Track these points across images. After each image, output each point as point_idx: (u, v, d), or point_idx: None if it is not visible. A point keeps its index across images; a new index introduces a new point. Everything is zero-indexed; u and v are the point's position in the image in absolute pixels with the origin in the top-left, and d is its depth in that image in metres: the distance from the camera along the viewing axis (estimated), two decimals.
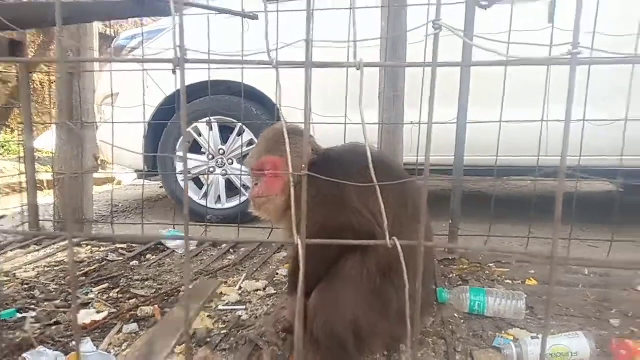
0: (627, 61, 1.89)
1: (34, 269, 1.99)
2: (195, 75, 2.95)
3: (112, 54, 3.35)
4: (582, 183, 2.35)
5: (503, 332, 1.46)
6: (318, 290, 1.22)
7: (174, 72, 0.59)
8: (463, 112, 2.10)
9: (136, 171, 3.96)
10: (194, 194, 3.50)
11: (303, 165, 1.09)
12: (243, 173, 3.27)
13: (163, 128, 3.34)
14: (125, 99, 3.19)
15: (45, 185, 4.26)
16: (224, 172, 3.43)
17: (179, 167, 3.48)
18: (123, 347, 1.37)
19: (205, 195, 3.41)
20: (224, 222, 3.18)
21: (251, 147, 3.31)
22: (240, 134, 3.33)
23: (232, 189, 3.41)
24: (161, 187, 4.23)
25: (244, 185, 3.32)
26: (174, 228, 2.49)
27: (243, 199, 3.33)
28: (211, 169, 3.45)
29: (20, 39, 2.53)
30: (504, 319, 1.54)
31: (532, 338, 1.32)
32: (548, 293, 0.59)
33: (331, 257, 1.21)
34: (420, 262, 0.65)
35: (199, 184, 3.54)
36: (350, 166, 1.22)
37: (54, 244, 2.39)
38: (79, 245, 2.38)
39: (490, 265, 2.07)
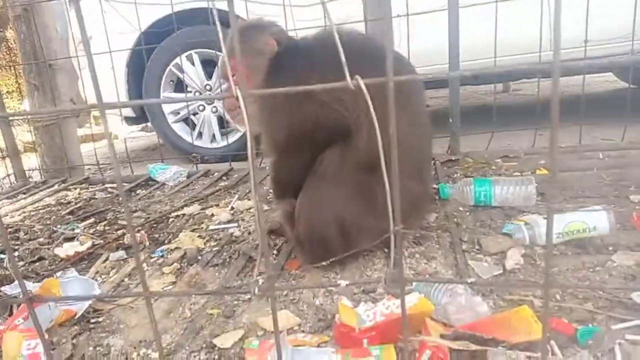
0: None
1: (20, 214, 1.91)
2: (166, 7, 2.70)
3: None
4: (592, 82, 2.16)
5: (513, 219, 1.35)
6: (302, 192, 1.13)
7: None
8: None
9: (125, 118, 3.81)
10: (187, 136, 3.34)
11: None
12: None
13: (143, 70, 3.13)
14: (100, 43, 2.98)
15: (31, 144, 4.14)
16: (214, 108, 3.27)
17: (166, 108, 3.31)
18: (110, 275, 1.29)
19: (200, 135, 3.27)
20: (223, 161, 3.06)
21: None
22: None
23: (224, 126, 3.27)
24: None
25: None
26: (162, 162, 2.37)
27: (238, 135, 3.18)
28: (200, 107, 3.28)
29: None
30: (513, 207, 1.43)
31: (544, 218, 1.21)
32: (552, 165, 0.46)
33: (306, 156, 1.13)
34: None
35: (190, 124, 3.39)
36: (319, 56, 1.08)
37: (41, 190, 2.30)
38: (67, 189, 2.28)
39: (497, 160, 1.94)
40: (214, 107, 3.27)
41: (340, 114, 1.06)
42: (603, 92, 3.95)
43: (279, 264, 1.21)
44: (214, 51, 3.07)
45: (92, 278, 1.26)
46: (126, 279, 1.25)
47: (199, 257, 1.31)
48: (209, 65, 3.17)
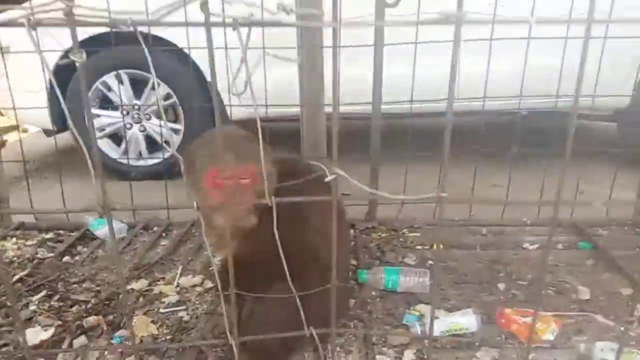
0: None
1: None
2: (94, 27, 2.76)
3: None
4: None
5: (411, 307, 1.73)
6: (249, 307, 1.38)
7: None
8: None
9: (45, 131, 3.76)
10: (112, 152, 3.46)
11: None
12: (162, 127, 3.23)
13: (67, 85, 3.16)
14: (18, 56, 2.92)
15: None
16: (141, 127, 3.39)
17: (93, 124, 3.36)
18: None
19: (126, 152, 3.37)
20: (149, 178, 3.23)
21: (169, 101, 3.26)
22: (154, 87, 3.25)
23: (151, 145, 3.40)
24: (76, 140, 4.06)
25: (166, 141, 3.31)
26: (100, 215, 2.48)
27: (166, 154, 3.34)
28: (127, 125, 3.38)
29: None
30: (412, 293, 1.81)
31: (435, 318, 1.59)
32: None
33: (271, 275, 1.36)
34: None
35: (116, 140, 3.48)
36: (310, 181, 1.27)
37: None
38: (3, 238, 2.34)
39: (404, 231, 2.33)
40: (142, 126, 3.40)
41: (323, 240, 1.31)
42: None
43: (227, 358, 1.48)
44: (140, 72, 3.19)
45: None
46: None
47: (156, 348, 1.54)
48: (136, 85, 3.28)
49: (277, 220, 1.19)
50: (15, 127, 5.14)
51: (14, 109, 2.46)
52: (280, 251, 1.04)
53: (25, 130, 5.18)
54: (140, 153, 3.47)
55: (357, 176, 0.63)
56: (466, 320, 1.57)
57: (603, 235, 2.30)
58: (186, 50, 2.95)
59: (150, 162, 3.45)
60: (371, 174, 2.39)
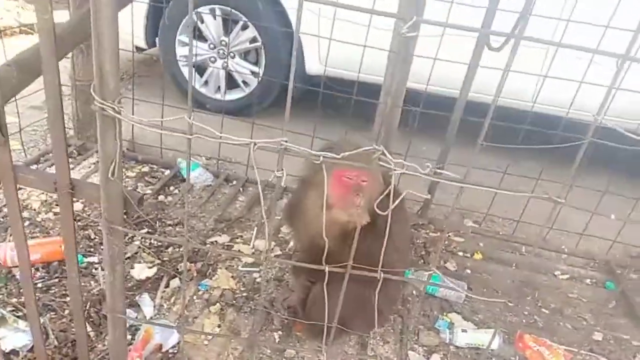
0: None
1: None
2: None
3: None
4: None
5: (445, 313, 2.03)
6: (318, 289, 1.68)
7: None
8: None
9: (136, 47, 4.07)
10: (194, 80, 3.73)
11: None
12: (244, 68, 3.52)
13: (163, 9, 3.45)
14: None
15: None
16: (225, 64, 3.62)
17: (180, 51, 3.65)
18: (172, 301, 1.88)
19: (206, 83, 3.67)
20: (225, 113, 3.54)
21: (254, 44, 3.48)
22: (244, 28, 3.45)
23: (232, 82, 3.66)
24: (156, 61, 4.38)
25: (243, 81, 3.57)
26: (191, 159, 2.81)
27: (240, 94, 3.62)
28: (212, 59, 3.63)
29: None
30: (448, 300, 2.10)
31: (462, 331, 1.89)
32: None
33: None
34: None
35: (199, 71, 3.74)
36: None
37: (84, 159, 2.72)
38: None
39: (450, 234, 2.58)
40: (225, 62, 3.65)
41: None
42: None
43: (289, 325, 1.84)
44: (234, 11, 3.38)
45: (159, 305, 1.84)
46: (186, 311, 1.84)
47: (234, 302, 1.91)
48: (227, 23, 3.50)
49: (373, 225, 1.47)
50: None
51: None
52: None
53: None
54: (219, 88, 3.75)
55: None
56: (487, 337, 1.86)
57: (633, 279, 2.49)
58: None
59: (228, 97, 3.72)
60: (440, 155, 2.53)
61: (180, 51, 3.69)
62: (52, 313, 1.73)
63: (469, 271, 2.33)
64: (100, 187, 1.05)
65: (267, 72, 3.53)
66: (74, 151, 2.77)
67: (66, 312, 1.73)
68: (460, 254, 2.46)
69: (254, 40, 3.53)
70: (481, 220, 2.70)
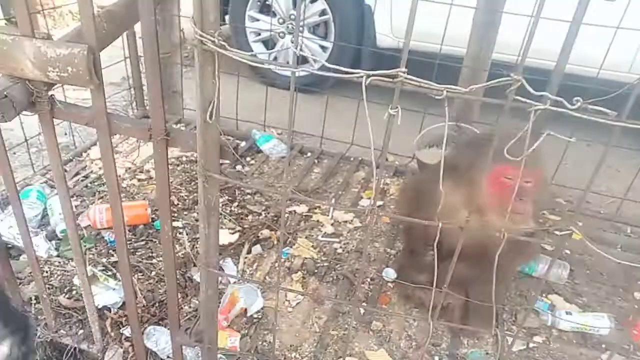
0: None
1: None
2: None
3: None
4: None
5: (544, 294, 1.85)
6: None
7: None
8: None
9: None
10: (263, 56, 3.68)
11: None
12: (315, 40, 3.41)
13: None
14: None
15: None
16: (293, 38, 3.53)
17: (250, 26, 3.61)
18: (254, 267, 1.84)
19: (275, 59, 3.61)
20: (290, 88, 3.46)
21: (323, 17, 3.37)
22: (313, 1, 3.35)
23: (301, 57, 3.57)
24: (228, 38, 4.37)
25: (313, 55, 3.48)
26: (265, 130, 2.77)
27: (311, 69, 3.52)
28: (281, 34, 3.56)
29: None
30: (547, 281, 1.91)
31: (566, 313, 1.71)
32: None
33: None
34: None
35: (268, 46, 3.68)
36: None
37: None
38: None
39: (545, 212, 2.37)
40: (293, 37, 3.56)
41: None
42: None
43: (374, 297, 1.74)
44: None
45: (242, 270, 1.81)
46: (267, 278, 1.80)
47: (316, 270, 1.84)
48: None
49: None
50: None
51: None
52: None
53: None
54: (288, 63, 3.67)
55: None
56: (599, 324, 1.67)
57: None
58: None
59: (297, 73, 3.64)
60: None
61: (251, 26, 3.65)
62: (139, 274, 1.74)
63: (567, 251, 2.11)
64: (197, 134, 0.98)
65: (336, 46, 3.42)
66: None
67: (153, 273, 1.74)
68: (557, 232, 2.24)
69: (323, 13, 3.42)
70: (576, 199, 2.45)
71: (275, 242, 1.97)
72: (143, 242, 1.88)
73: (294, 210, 2.18)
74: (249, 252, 1.91)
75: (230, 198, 2.21)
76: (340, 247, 1.99)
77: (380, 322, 1.66)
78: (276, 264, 1.86)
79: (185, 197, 2.18)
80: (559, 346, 1.64)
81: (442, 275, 1.72)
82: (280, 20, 3.55)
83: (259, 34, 3.67)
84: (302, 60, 3.55)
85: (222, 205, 2.15)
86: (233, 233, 1.97)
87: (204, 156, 1.00)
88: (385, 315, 1.69)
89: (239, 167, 2.48)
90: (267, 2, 3.53)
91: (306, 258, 1.90)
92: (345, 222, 2.14)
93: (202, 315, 1.24)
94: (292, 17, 3.52)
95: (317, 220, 2.13)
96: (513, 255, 1.51)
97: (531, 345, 1.64)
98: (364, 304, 1.72)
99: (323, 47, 3.53)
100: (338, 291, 1.77)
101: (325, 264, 1.89)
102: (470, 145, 1.51)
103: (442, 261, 1.73)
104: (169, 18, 2.68)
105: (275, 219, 2.10)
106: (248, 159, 2.59)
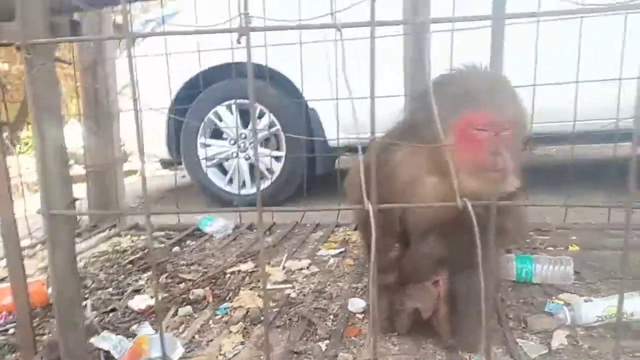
0: None
1: (79, 260, 2.05)
2: (212, 59, 2.94)
3: (127, 43, 3.35)
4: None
5: (553, 297, 1.46)
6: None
7: (238, 41, 0.59)
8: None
9: (160, 160, 4.02)
10: (218, 181, 3.52)
11: None
12: (267, 156, 3.29)
13: (183, 116, 3.36)
14: (144, 88, 3.21)
15: (74, 180, 4.31)
16: (247, 156, 3.44)
17: (202, 154, 3.50)
18: (180, 330, 1.41)
19: (230, 181, 3.44)
20: (252, 206, 3.22)
21: (272, 129, 3.32)
22: (260, 117, 3.32)
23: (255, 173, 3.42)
24: (183, 177, 4.23)
25: (267, 169, 3.33)
26: (208, 214, 2.51)
27: (267, 182, 3.35)
28: (234, 154, 3.46)
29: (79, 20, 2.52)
30: (551, 284, 1.54)
31: (585, 301, 1.32)
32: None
33: None
34: None
35: (223, 170, 3.56)
36: None
37: (93, 235, 2.45)
38: (118, 235, 2.43)
39: (530, 233, 2.06)
40: (247, 155, 3.45)
41: None
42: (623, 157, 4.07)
43: (339, 331, 1.32)
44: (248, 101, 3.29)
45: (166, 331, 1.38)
46: (197, 336, 1.36)
47: (261, 318, 1.43)
48: (244, 115, 3.37)
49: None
50: (134, 172, 5.64)
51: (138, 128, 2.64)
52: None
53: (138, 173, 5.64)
54: (244, 182, 3.52)
55: None
56: (630, 304, 1.27)
57: None
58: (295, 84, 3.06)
59: (253, 190, 3.47)
60: None
61: (203, 154, 3.56)
62: None
63: (572, 263, 1.76)
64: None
65: (289, 154, 3.34)
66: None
67: None
68: (551, 248, 1.91)
69: (271, 125, 3.42)
70: (563, 215, 2.17)
71: (211, 300, 1.56)
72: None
73: (239, 270, 1.80)
74: (175, 314, 1.49)
75: (159, 272, 1.84)
76: (294, 291, 1.59)
77: (350, 353, 1.22)
78: (210, 322, 1.44)
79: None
80: (589, 345, 1.21)
81: (418, 267, 1.35)
82: (232, 142, 3.51)
83: (212, 159, 3.58)
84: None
85: (149, 278, 1.77)
86: (154, 298, 1.57)
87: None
88: (355, 347, 1.25)
89: (175, 249, 2.14)
90: (216, 127, 3.51)
91: (250, 308, 1.48)
92: (300, 269, 1.77)
93: None
94: (243, 136, 3.49)
95: (266, 272, 1.75)
96: (497, 229, 1.18)
97: (555, 347, 1.21)
98: (326, 340, 1.28)
99: (277, 158, 3.43)
100: (292, 334, 1.34)
101: (275, 309, 1.48)
102: (427, 95, 1.18)
103: (414, 249, 1.40)
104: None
105: (214, 280, 1.72)
106: (188, 241, 2.26)
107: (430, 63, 2.09)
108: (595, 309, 1.29)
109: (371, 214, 0.68)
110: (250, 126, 3.38)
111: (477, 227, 0.70)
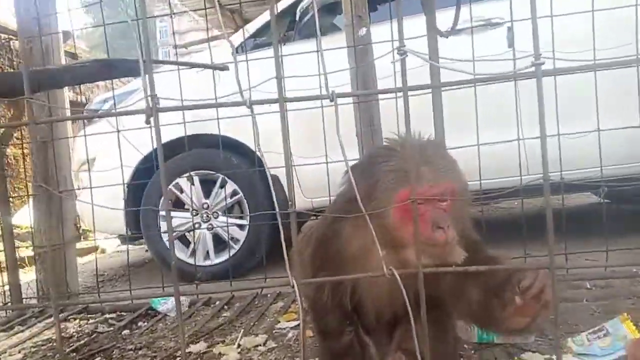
0: (590, 67, 1.95)
1: (19, 352, 1.89)
2: (172, 132, 2.92)
3: (85, 121, 3.33)
4: (566, 199, 2.36)
5: (516, 357, 1.41)
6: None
7: (147, 122, 0.58)
8: (439, 136, 2.12)
9: (119, 236, 3.88)
10: (181, 252, 3.39)
11: None
12: (229, 225, 3.22)
13: (143, 190, 3.29)
14: (101, 164, 3.16)
15: (27, 262, 4.11)
16: (210, 226, 3.36)
17: (163, 227, 3.40)
18: None
19: (193, 252, 3.32)
20: (215, 279, 3.10)
21: (235, 197, 3.27)
22: (222, 186, 3.28)
23: (220, 243, 3.33)
24: (146, 251, 4.10)
25: (232, 237, 3.25)
26: (163, 290, 2.40)
27: (232, 252, 3.26)
28: (196, 225, 3.37)
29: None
30: (513, 344, 1.49)
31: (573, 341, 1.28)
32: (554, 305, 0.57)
33: None
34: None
35: (185, 241, 3.45)
36: None
37: (39, 322, 2.28)
38: (66, 319, 2.27)
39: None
40: (210, 224, 3.37)
41: None
42: (577, 207, 4.20)
43: None
44: (212, 172, 3.25)
45: None
46: None
47: None
48: (206, 185, 3.32)
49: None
50: (95, 249, 5.43)
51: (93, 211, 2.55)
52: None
53: (103, 251, 5.44)
54: (207, 253, 3.41)
55: None
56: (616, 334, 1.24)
57: None
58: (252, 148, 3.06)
59: (217, 260, 3.36)
60: None
61: (164, 226, 3.45)
62: None
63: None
64: None
65: (253, 221, 3.27)
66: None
67: None
68: None
69: (234, 193, 3.38)
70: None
71: None
72: None
73: (190, 352, 1.69)
74: None
75: (103, 358, 1.70)
76: None
77: None
78: None
79: None
80: None
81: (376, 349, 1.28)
82: (194, 212, 3.43)
83: (173, 231, 3.46)
84: (222, 248, 3.31)
85: None
86: None
87: None
88: None
89: (125, 332, 2.01)
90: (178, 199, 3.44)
91: None
92: (256, 346, 1.67)
93: None
94: (205, 206, 3.42)
95: (219, 353, 1.64)
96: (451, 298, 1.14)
97: None
98: None
99: (241, 226, 3.36)
100: None
101: None
102: (366, 168, 1.08)
103: (370, 334, 1.33)
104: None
105: None
106: (140, 323, 2.13)
107: (380, 131, 2.16)
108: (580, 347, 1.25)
109: (296, 289, 0.64)
110: (211, 195, 3.34)
111: (421, 295, 0.66)
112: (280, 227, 0.61)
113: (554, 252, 0.59)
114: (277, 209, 2.70)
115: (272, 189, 3.17)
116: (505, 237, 2.37)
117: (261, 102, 0.60)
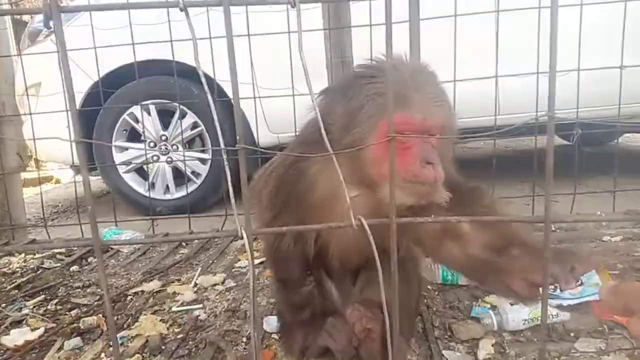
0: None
1: None
2: (126, 56, 2.65)
3: (28, 39, 3.00)
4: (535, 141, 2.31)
5: (480, 300, 1.39)
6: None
7: (46, 25, 0.43)
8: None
9: (72, 166, 3.66)
10: (138, 186, 3.22)
11: None
12: (189, 159, 3.06)
13: (95, 117, 3.04)
14: (48, 88, 2.89)
15: None
16: (169, 159, 3.18)
17: (118, 158, 3.20)
18: None
19: (152, 186, 3.16)
20: (175, 213, 2.97)
21: (195, 130, 3.08)
22: (182, 117, 3.07)
23: (180, 177, 3.17)
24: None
25: (193, 172, 3.10)
26: (116, 225, 2.27)
27: (192, 187, 3.11)
28: (155, 157, 3.18)
29: None
30: (478, 286, 1.47)
31: (511, 304, 1.25)
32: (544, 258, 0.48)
33: None
34: None
35: (143, 174, 3.27)
36: None
37: None
38: (10, 254, 2.13)
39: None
40: (169, 157, 3.19)
41: None
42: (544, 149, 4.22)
43: (250, 355, 1.17)
44: (169, 102, 3.03)
45: None
46: None
47: (163, 347, 1.24)
48: (164, 116, 3.11)
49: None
50: (50, 178, 5.16)
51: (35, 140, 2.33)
52: None
53: (58, 181, 5.18)
54: (167, 187, 3.24)
55: None
56: (554, 308, 1.22)
57: None
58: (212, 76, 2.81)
59: (178, 194, 3.20)
60: None
61: (119, 158, 3.22)
62: None
63: None
64: None
65: (215, 156, 3.09)
66: None
67: None
68: None
69: (194, 126, 3.15)
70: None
71: (105, 329, 1.35)
72: None
73: (142, 290, 1.60)
74: (60, 348, 1.27)
75: (48, 297, 1.59)
76: (205, 312, 1.42)
77: None
78: (102, 355, 1.23)
79: None
80: (517, 351, 1.15)
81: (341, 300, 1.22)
82: (152, 144, 3.20)
83: (130, 163, 3.24)
84: (183, 182, 3.13)
85: (35, 305, 1.53)
86: (36, 329, 1.33)
87: None
88: None
89: (74, 268, 1.89)
90: (134, 129, 3.18)
91: (149, 336, 1.29)
92: (214, 285, 1.59)
93: None
94: (163, 137, 3.19)
95: (173, 292, 1.56)
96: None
97: (482, 357, 1.12)
98: None
99: (202, 160, 3.16)
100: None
101: (180, 335, 1.30)
102: (346, 91, 0.92)
103: (333, 279, 1.27)
104: None
105: (112, 304, 1.51)
106: (90, 259, 2.01)
107: (352, 62, 2.01)
108: (521, 312, 1.22)
109: (245, 242, 0.53)
110: (170, 127, 3.13)
111: (392, 247, 0.56)
112: (225, 167, 0.48)
113: (549, 201, 0.50)
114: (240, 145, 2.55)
115: (237, 123, 3.00)
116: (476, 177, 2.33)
117: (199, 5, 0.46)
